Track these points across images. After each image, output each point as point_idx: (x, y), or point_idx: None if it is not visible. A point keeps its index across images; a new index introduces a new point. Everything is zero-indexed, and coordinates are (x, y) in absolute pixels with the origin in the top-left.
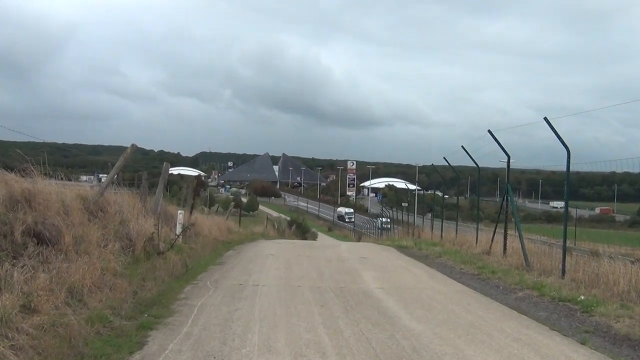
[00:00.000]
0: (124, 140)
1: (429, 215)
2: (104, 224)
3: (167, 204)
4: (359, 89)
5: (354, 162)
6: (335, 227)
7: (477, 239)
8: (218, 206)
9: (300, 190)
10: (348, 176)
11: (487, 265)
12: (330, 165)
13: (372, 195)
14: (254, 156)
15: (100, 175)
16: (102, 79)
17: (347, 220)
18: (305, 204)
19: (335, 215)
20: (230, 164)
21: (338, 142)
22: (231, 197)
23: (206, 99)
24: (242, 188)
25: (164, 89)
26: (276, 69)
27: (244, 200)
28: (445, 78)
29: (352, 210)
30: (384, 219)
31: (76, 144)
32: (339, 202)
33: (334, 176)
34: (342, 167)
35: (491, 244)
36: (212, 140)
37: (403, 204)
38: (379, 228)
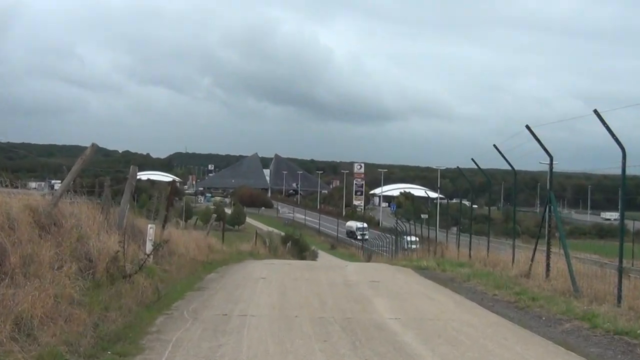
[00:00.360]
0: (82, 139)
1: (454, 229)
2: (58, 241)
3: (134, 216)
4: (367, 75)
5: (362, 165)
6: (340, 244)
7: (513, 258)
8: (197, 219)
9: (297, 199)
10: (355, 182)
11: (526, 291)
12: (333, 169)
13: (384, 205)
14: (240, 158)
15: (53, 182)
16: (53, 64)
17: (359, 237)
18: (303, 216)
19: (344, 230)
20: (211, 167)
21: (342, 140)
22: (212, 207)
23: (181, 89)
24: (225, 197)
25: (129, 77)
26: (265, 51)
27: (228, 211)
28: (472, 62)
29: (365, 225)
30: (412, 238)
31: (24, 144)
32: (343, 213)
33: (338, 182)
34: (347, 171)
35: (531, 265)
36: (189, 139)
37: (422, 216)
38: (404, 248)
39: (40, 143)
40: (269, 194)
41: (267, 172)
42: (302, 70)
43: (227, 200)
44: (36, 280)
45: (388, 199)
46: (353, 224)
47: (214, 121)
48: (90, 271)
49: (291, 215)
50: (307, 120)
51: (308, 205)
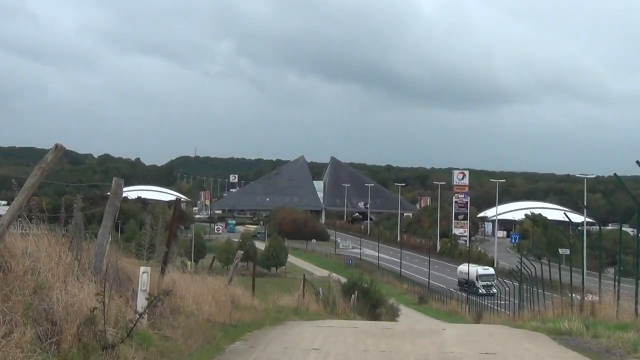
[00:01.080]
0: (40, 138)
1: (611, 270)
2: (5, 295)
3: (119, 254)
4: (470, 35)
5: (465, 174)
6: (433, 296)
7: None
8: (214, 258)
9: (366, 226)
10: (455, 199)
11: None
12: (421, 180)
13: (500, 234)
14: (278, 164)
15: None
16: None
17: (481, 289)
18: (376, 253)
19: (456, 276)
20: (233, 178)
21: (433, 136)
22: (237, 241)
23: (187, 60)
24: (256, 223)
25: (107, 43)
26: (313, 2)
27: (261, 246)
28: (635, 12)
29: (491, 270)
30: (482, 269)
31: None
32: (438, 247)
33: (429, 200)
34: (442, 183)
35: None
36: (200, 137)
37: (561, 251)
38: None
39: None
40: (323, 219)
41: (319, 185)
42: (369, 31)
43: (256, 228)
44: None
45: (506, 224)
46: (472, 269)
47: (236, 109)
48: (54, 339)
49: (357, 250)
50: (378, 105)
51: (383, 236)
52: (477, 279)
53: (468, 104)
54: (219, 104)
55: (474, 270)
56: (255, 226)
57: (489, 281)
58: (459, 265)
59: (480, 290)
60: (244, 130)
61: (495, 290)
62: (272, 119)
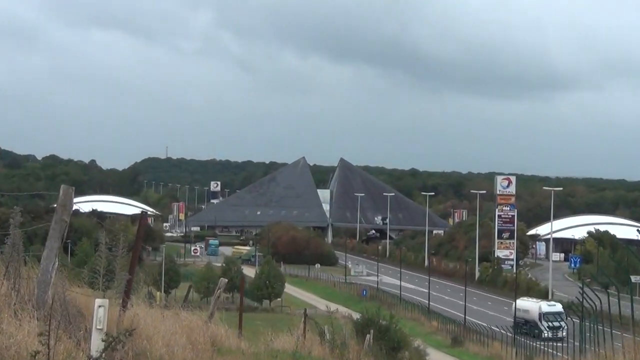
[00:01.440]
0: None
1: None
2: None
3: (68, 283)
4: (516, 4)
5: (511, 180)
6: (470, 336)
7: None
8: (190, 289)
9: (384, 246)
10: (498, 212)
11: None
12: (454, 188)
13: (555, 257)
14: (272, 168)
15: None
16: None
17: (546, 331)
18: (397, 281)
19: (502, 311)
20: (214, 186)
21: (468, 131)
22: (221, 265)
23: (152, 34)
24: (244, 242)
25: (50, 14)
26: None
27: (250, 273)
28: None
29: (559, 307)
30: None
31: None
32: (476, 272)
33: (465, 213)
34: (482, 192)
35: None
36: (173, 134)
37: (634, 279)
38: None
39: None
40: (329, 238)
41: (324, 194)
42: None
43: (254, 250)
44: None
45: (564, 245)
46: (532, 305)
47: (218, 97)
48: None
49: (373, 278)
50: (398, 92)
51: (407, 260)
52: (540, 319)
53: (514, 91)
54: (196, 91)
55: (536, 306)
56: (247, 248)
57: (557, 321)
58: (508, 297)
59: (544, 333)
60: (229, 124)
61: (565, 334)
62: (264, 110)
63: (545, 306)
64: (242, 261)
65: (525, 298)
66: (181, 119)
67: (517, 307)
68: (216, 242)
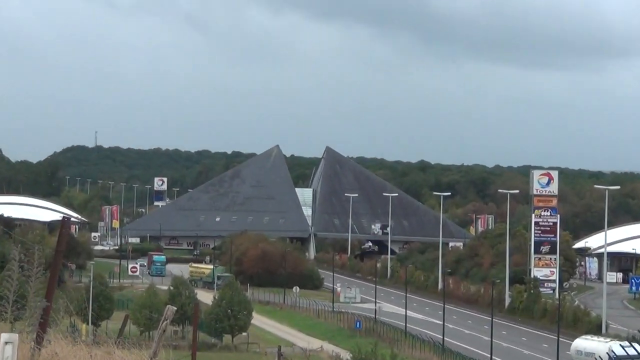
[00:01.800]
0: None
1: None
2: None
3: None
4: None
5: (553, 176)
6: None
7: None
8: (126, 319)
9: (384, 264)
10: (535, 218)
11: None
12: (478, 186)
13: (611, 277)
14: (236, 159)
15: None
16: None
17: None
18: (401, 309)
19: (543, 350)
20: (159, 183)
21: (496, 111)
22: (166, 289)
23: None
24: (198, 258)
25: None
26: None
27: (207, 299)
28: None
29: (635, 349)
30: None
31: None
32: (507, 297)
33: (491, 220)
34: (513, 192)
35: None
36: (102, 115)
37: None
38: None
39: None
40: (312, 253)
41: (304, 195)
42: None
43: (224, 269)
44: None
45: (622, 262)
46: (598, 347)
47: (163, 66)
48: None
49: (369, 305)
50: (403, 61)
51: (415, 282)
52: None
53: (555, 59)
54: (133, 58)
55: (604, 347)
56: (209, 266)
57: None
58: (549, 330)
59: None
60: (177, 102)
61: None
62: (224, 83)
63: (618, 348)
64: (204, 284)
65: (587, 336)
66: (114, 95)
67: (575, 349)
68: (162, 258)
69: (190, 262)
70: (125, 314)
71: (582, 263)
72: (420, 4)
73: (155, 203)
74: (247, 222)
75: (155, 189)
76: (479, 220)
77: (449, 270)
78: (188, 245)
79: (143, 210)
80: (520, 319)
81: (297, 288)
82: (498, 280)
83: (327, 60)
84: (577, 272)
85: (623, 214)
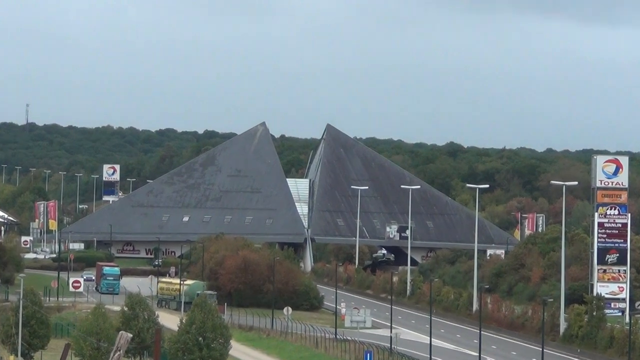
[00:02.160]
0: None
1: None
2: None
3: None
4: None
5: (622, 164)
6: None
7: None
8: (67, 348)
9: (402, 277)
10: (599, 218)
11: None
12: (524, 176)
13: None
14: (212, 140)
15: None
16: None
17: None
18: (424, 335)
19: None
20: (110, 172)
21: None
22: (119, 310)
23: None
24: (159, 269)
25: None
26: None
27: (170, 321)
28: None
29: None
30: None
31: None
32: (562, 320)
33: (541, 219)
34: (570, 184)
35: None
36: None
37: None
38: None
39: None
40: (309, 263)
41: (299, 187)
42: None
43: (196, 283)
44: None
45: None
46: None
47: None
48: None
49: (382, 331)
50: (421, 10)
51: (443, 300)
52: None
53: (622, 11)
54: (76, 13)
55: None
56: (188, 281)
57: None
58: None
59: None
60: (133, 69)
61: None
62: (193, 44)
63: None
64: (177, 306)
65: None
66: (52, 58)
67: None
68: (115, 270)
69: (150, 274)
70: (66, 343)
71: None
72: None
73: (105, 198)
74: (223, 222)
75: (104, 179)
76: (526, 221)
77: (487, 286)
78: (147, 253)
79: (87, 206)
80: (580, 349)
81: (289, 309)
82: (551, 299)
83: (322, 10)
84: None
85: None
